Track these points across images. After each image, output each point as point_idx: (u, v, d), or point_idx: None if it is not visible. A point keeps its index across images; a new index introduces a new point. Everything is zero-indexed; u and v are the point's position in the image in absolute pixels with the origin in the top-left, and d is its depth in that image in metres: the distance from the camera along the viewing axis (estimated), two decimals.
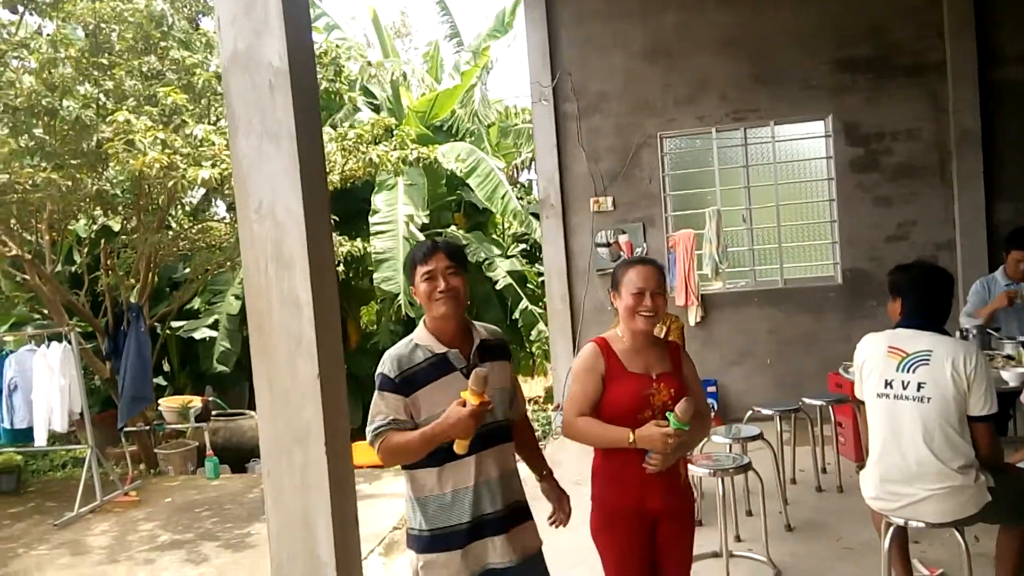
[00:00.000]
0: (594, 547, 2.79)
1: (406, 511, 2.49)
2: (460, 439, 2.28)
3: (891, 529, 3.29)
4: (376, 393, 2.40)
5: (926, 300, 3.26)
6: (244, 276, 2.33)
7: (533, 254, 13.28)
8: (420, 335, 2.47)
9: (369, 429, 2.38)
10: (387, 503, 6.60)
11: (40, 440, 7.04)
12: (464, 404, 2.24)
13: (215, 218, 10.03)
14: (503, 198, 10.86)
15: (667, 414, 2.49)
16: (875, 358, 3.29)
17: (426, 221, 11.01)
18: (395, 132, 9.36)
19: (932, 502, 3.09)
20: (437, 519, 2.40)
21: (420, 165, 9.04)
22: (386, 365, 2.40)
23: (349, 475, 2.42)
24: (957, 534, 3.13)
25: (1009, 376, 4.09)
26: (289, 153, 2.25)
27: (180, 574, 5.39)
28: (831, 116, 7.52)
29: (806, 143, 7.84)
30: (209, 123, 7.13)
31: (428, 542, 2.41)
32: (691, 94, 7.71)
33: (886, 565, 3.32)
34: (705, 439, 4.56)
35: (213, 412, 9.41)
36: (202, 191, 9.49)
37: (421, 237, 10.52)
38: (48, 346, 7.10)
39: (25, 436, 7.25)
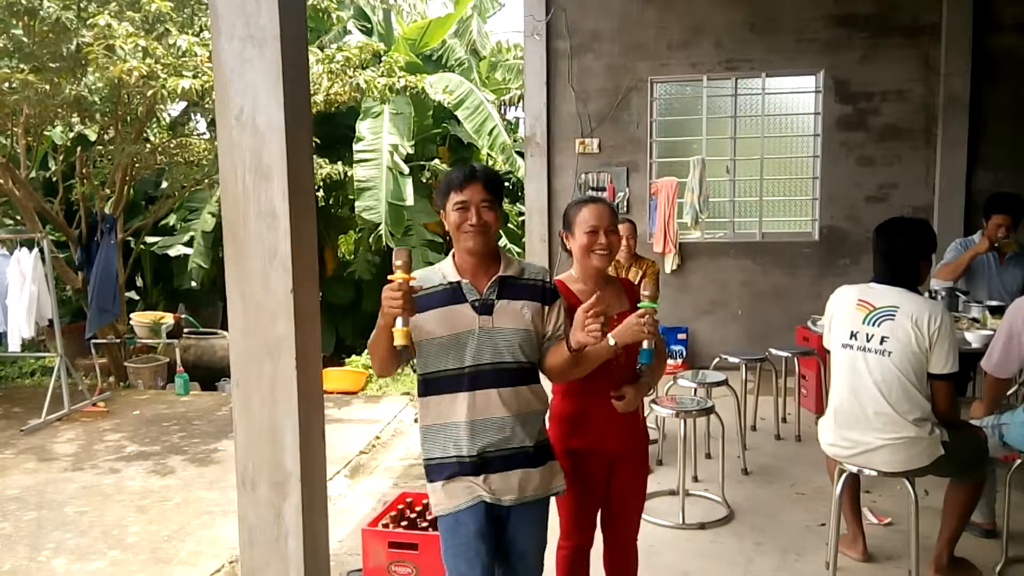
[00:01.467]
0: None
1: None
2: (385, 320, 2.17)
3: (844, 476, 3.39)
4: None
5: (893, 254, 3.28)
6: (221, 184, 2.30)
7: (515, 193, 13.22)
8: (445, 263, 2.43)
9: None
10: (356, 428, 6.67)
11: (13, 346, 7.03)
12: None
13: (195, 133, 9.86)
14: (491, 132, 10.75)
15: (638, 303, 2.46)
16: (844, 310, 3.34)
17: (411, 152, 10.90)
18: (383, 58, 9.18)
19: (886, 452, 3.18)
20: (432, 450, 2.39)
21: (407, 94, 8.89)
22: None
23: (318, 391, 2.44)
24: (908, 484, 3.23)
25: (973, 338, 4.18)
26: (273, 60, 2.20)
27: (146, 484, 5.45)
28: (823, 72, 7.48)
29: (796, 97, 7.80)
30: (193, 33, 6.95)
31: (429, 470, 2.41)
32: (685, 39, 7.62)
33: (836, 510, 3.43)
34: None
35: (185, 330, 9.40)
36: (182, 105, 9.31)
37: (405, 167, 10.43)
38: (20, 251, 7.02)
39: None
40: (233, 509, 4.97)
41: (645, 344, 2.42)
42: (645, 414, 3.00)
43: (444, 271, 2.40)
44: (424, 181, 11.69)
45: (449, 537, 2.38)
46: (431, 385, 2.37)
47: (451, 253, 2.44)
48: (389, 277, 2.13)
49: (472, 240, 2.32)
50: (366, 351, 10.09)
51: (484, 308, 2.35)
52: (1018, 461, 3.54)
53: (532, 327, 2.39)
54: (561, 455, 2.72)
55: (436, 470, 2.39)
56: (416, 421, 2.40)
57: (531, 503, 2.44)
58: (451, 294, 2.35)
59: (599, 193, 7.74)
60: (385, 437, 6.47)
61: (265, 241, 2.26)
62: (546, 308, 2.43)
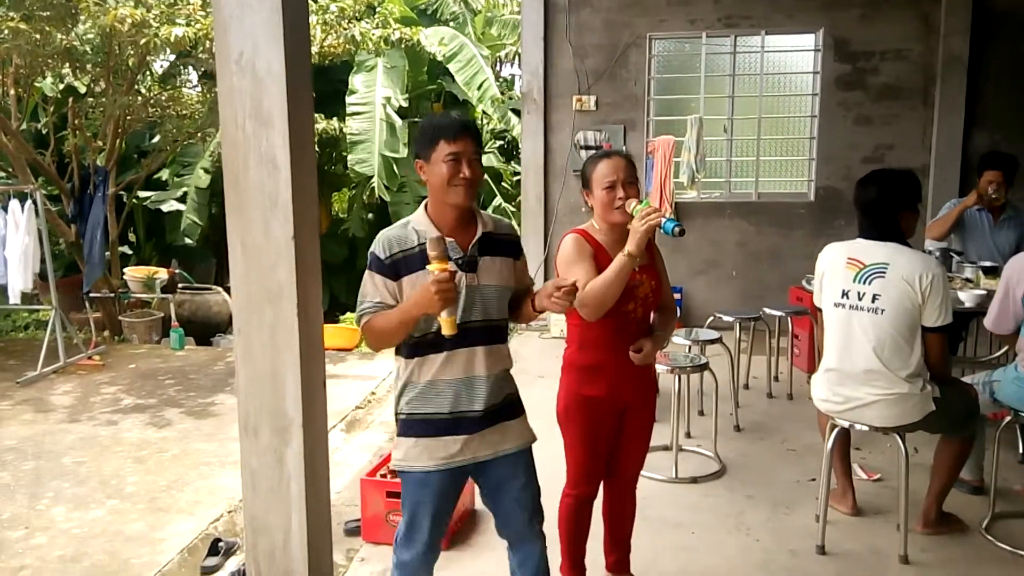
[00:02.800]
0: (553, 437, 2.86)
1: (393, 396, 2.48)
2: (429, 311, 2.16)
3: (835, 431, 3.44)
4: (366, 272, 2.31)
5: (869, 207, 3.27)
6: (221, 131, 2.29)
7: (510, 152, 13.16)
8: (418, 219, 2.34)
9: (358, 309, 2.31)
10: (351, 384, 6.72)
11: (14, 298, 7.01)
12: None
13: (187, 85, 9.76)
14: (481, 85, 10.68)
15: (632, 210, 2.54)
16: (834, 268, 3.35)
17: (405, 105, 10.82)
18: (378, 10, 9.06)
19: (878, 407, 3.22)
20: (414, 406, 2.36)
21: (402, 46, 8.80)
22: (378, 245, 2.29)
23: (319, 338, 2.46)
24: (898, 439, 3.29)
25: (966, 297, 4.21)
26: (273, 6, 2.18)
27: (143, 436, 5.49)
28: (823, 30, 7.41)
29: (795, 56, 7.74)
30: None
31: (405, 426, 2.38)
32: None
33: (827, 464, 3.49)
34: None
35: (179, 285, 9.38)
36: (172, 57, 9.20)
37: (398, 120, 10.35)
38: (13, 203, 6.98)
39: None
40: (231, 460, 5.06)
41: (663, 222, 2.46)
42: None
43: (421, 230, 2.30)
44: None
45: (415, 492, 2.39)
46: (418, 347, 2.34)
47: (423, 208, 2.36)
48: (431, 268, 2.09)
49: (462, 194, 2.27)
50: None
51: (469, 265, 2.31)
52: (1007, 418, 3.60)
53: (508, 283, 2.40)
54: (576, 404, 2.78)
55: (412, 426, 2.37)
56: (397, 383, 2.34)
57: (511, 455, 2.45)
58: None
59: (587, 153, 7.71)
60: (380, 393, 6.52)
61: (266, 188, 2.26)
62: (517, 263, 2.45)
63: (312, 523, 2.43)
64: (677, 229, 2.45)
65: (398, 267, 2.26)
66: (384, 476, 3.70)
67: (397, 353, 2.40)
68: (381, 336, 2.29)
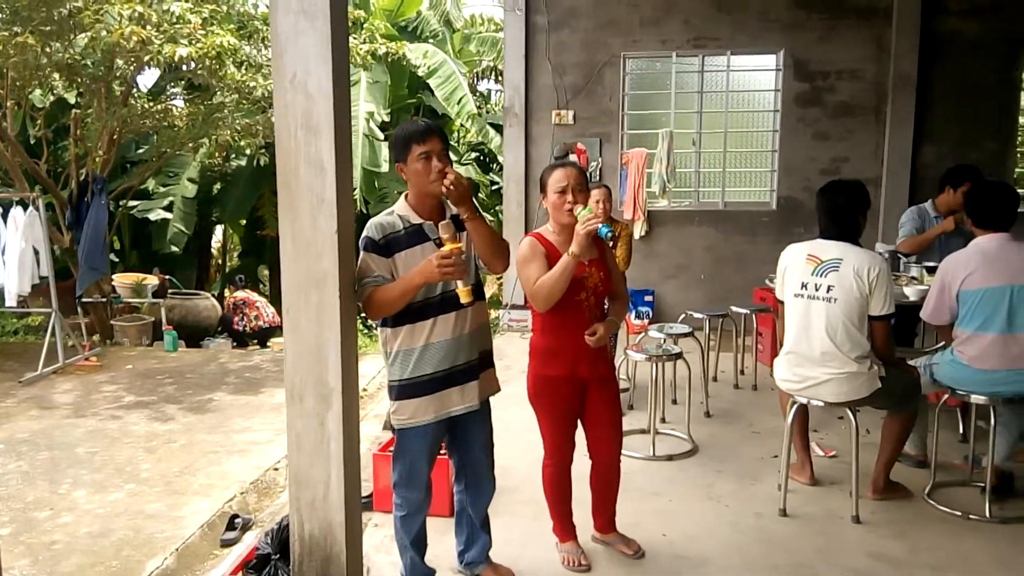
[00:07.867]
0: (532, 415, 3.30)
1: (386, 366, 2.91)
2: (431, 280, 2.64)
3: (795, 407, 3.89)
4: (363, 254, 2.74)
5: (836, 212, 3.74)
6: (276, 139, 2.65)
7: (486, 163, 13.58)
8: (400, 207, 2.82)
9: (358, 285, 2.74)
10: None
11: (10, 301, 7.24)
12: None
13: (171, 100, 10.02)
14: (460, 101, 11.10)
15: (578, 215, 2.94)
16: (795, 264, 3.82)
17: (387, 120, 11.19)
18: (364, 25, 9.43)
19: (831, 384, 3.68)
20: (415, 370, 2.79)
21: (388, 60, 9.17)
22: (371, 230, 2.74)
23: (354, 317, 2.81)
24: (849, 413, 3.74)
25: (911, 292, 4.68)
26: (323, 32, 2.54)
27: (149, 428, 5.77)
28: (783, 51, 7.95)
29: (758, 75, 8.28)
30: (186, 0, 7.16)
31: (406, 390, 2.81)
32: (657, 17, 8.03)
33: (788, 437, 3.92)
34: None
35: (169, 291, 9.64)
36: (155, 72, 9.48)
37: (380, 134, 10.71)
38: (15, 210, 7.22)
39: None
40: (237, 450, 5.40)
41: (600, 227, 2.90)
42: (618, 363, 3.47)
43: (404, 215, 2.78)
44: None
45: (417, 443, 2.86)
46: (411, 314, 2.76)
47: (403, 199, 2.83)
48: (444, 250, 2.57)
49: (438, 185, 2.69)
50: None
51: (444, 243, 2.74)
52: (945, 396, 4.07)
53: (471, 252, 2.86)
54: (541, 383, 3.21)
55: (415, 388, 2.79)
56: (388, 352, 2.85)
57: (486, 402, 3.01)
58: (416, 235, 2.77)
59: (569, 156, 8.16)
60: (371, 390, 6.86)
61: (314, 188, 2.63)
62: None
63: (348, 478, 2.80)
64: (609, 234, 2.93)
65: (390, 246, 2.73)
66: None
67: (383, 325, 2.83)
68: (383, 304, 2.73)
